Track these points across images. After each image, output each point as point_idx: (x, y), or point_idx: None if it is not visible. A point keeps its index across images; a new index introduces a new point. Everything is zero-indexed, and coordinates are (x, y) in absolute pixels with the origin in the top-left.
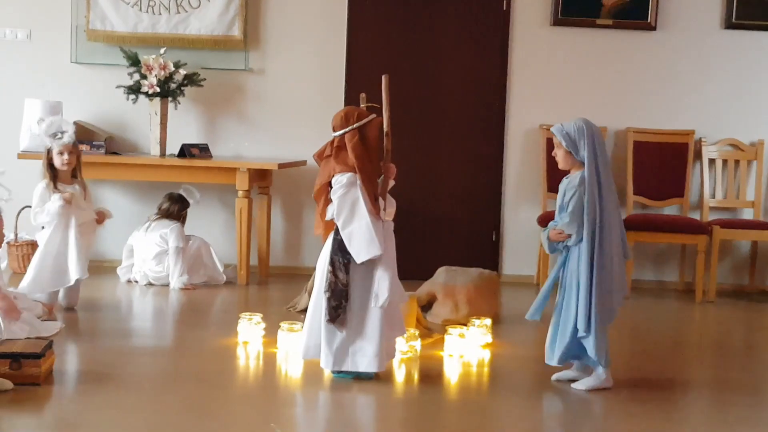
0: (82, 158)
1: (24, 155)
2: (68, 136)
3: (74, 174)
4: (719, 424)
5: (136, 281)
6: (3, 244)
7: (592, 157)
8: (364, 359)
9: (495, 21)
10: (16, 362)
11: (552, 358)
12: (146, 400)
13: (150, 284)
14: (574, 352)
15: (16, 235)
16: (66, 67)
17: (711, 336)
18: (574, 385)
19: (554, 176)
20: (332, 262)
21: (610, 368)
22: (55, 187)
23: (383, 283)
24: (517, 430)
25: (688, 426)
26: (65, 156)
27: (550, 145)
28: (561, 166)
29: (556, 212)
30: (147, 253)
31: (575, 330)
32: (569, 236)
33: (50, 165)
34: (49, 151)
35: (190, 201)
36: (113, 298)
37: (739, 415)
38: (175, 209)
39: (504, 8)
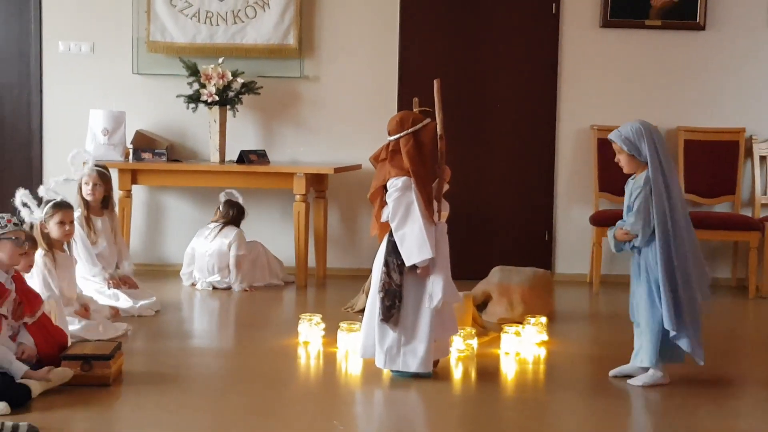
0: (146, 167)
1: None
2: (87, 167)
3: (106, 205)
4: None
5: (199, 286)
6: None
7: (655, 155)
8: (415, 360)
9: (544, 24)
10: (87, 364)
11: (643, 360)
12: (211, 399)
13: (213, 288)
14: (665, 350)
15: None
16: (128, 78)
17: (765, 332)
18: (630, 381)
19: (606, 176)
20: (386, 263)
21: (665, 365)
22: (88, 218)
23: (437, 284)
24: (575, 426)
25: (743, 421)
26: (89, 186)
27: (600, 145)
28: (626, 170)
29: (624, 212)
30: (210, 264)
31: (661, 328)
32: (636, 236)
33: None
34: (80, 182)
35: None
36: (177, 301)
37: None
38: (236, 214)
39: (553, 12)
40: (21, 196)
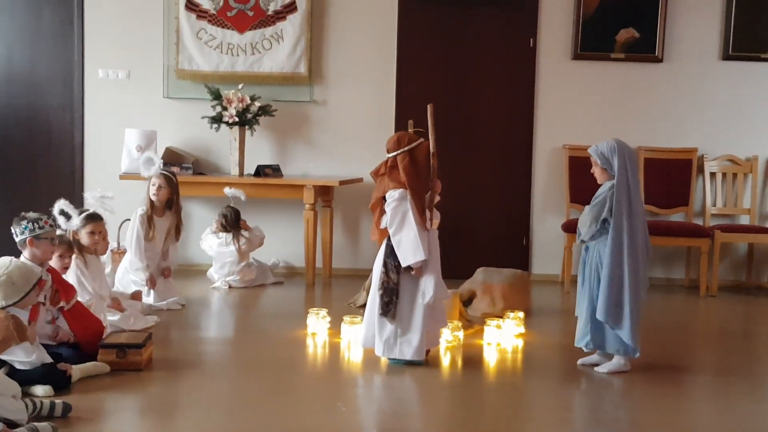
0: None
1: (125, 176)
2: (153, 169)
3: (170, 206)
4: (722, 400)
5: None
6: (108, 252)
7: (623, 170)
8: (409, 349)
9: (523, 57)
10: (121, 351)
11: (579, 341)
12: (229, 383)
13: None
14: (598, 340)
15: (118, 243)
16: (159, 102)
17: (714, 326)
18: (597, 369)
19: (576, 189)
20: (385, 264)
21: (628, 354)
22: (150, 217)
23: (429, 282)
24: (548, 408)
25: (696, 403)
26: (155, 187)
27: (572, 161)
28: (599, 180)
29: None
30: (230, 265)
31: (593, 320)
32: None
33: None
34: (149, 183)
35: (241, 198)
36: (201, 296)
37: (739, 392)
38: (233, 219)
39: (530, 45)
40: (61, 205)
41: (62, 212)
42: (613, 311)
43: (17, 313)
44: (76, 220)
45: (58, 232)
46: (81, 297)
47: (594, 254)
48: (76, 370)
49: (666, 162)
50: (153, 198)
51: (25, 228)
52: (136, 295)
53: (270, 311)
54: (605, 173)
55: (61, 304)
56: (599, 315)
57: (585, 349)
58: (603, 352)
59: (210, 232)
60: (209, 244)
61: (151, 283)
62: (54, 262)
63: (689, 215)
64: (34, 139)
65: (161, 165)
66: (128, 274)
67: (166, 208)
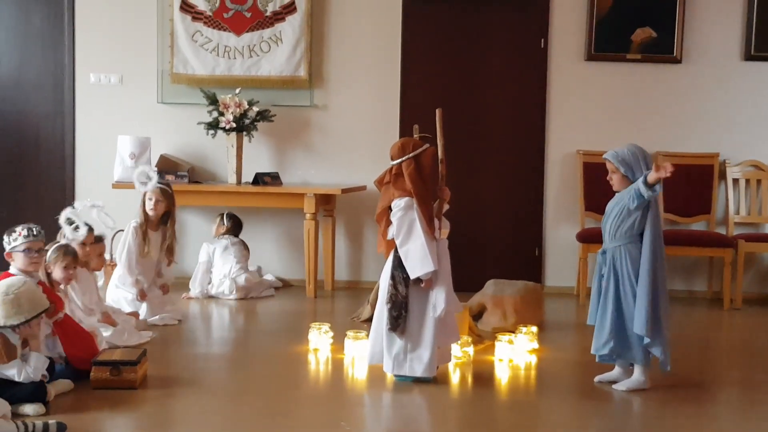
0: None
1: (117, 185)
2: (151, 184)
3: (165, 220)
4: (747, 421)
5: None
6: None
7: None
8: (420, 365)
9: (534, 58)
10: (115, 369)
11: (599, 348)
12: (229, 401)
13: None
14: (619, 349)
15: (111, 256)
16: (153, 107)
17: (738, 341)
18: (615, 386)
19: (591, 196)
20: (393, 277)
21: (648, 371)
22: (144, 231)
23: (440, 295)
24: (563, 428)
25: (719, 423)
26: (152, 201)
27: (586, 168)
28: (616, 188)
29: (604, 220)
30: (227, 270)
31: (617, 327)
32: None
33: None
34: (144, 196)
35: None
36: (197, 311)
37: (766, 412)
38: (238, 224)
39: (542, 46)
40: (68, 214)
41: (69, 221)
42: (652, 323)
43: (9, 336)
44: (83, 230)
45: (63, 241)
46: (70, 312)
47: (616, 259)
48: (50, 388)
49: (686, 168)
50: (150, 213)
51: (18, 238)
52: (133, 314)
53: (270, 326)
54: (625, 181)
55: (59, 314)
56: (638, 329)
57: (599, 359)
58: (623, 367)
59: (215, 238)
60: (208, 252)
61: (142, 296)
62: (57, 273)
63: (711, 224)
64: (23, 147)
65: (158, 179)
66: (119, 290)
67: (161, 223)
